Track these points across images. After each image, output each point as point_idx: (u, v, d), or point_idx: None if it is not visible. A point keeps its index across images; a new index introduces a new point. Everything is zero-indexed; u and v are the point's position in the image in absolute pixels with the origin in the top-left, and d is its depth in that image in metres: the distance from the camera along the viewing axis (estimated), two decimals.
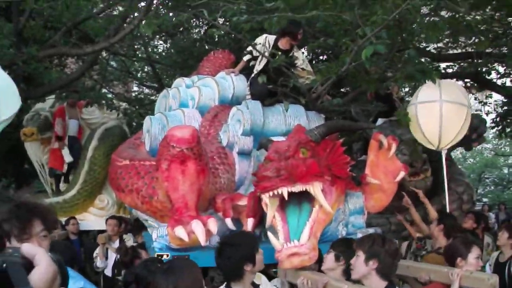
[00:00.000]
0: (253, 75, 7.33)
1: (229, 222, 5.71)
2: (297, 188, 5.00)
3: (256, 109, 6.80)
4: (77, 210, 11.04)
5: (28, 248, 1.22)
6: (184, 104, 7.37)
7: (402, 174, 6.02)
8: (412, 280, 5.55)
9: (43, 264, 1.19)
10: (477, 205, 19.66)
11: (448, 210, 7.72)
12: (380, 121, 9.71)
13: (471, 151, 27.26)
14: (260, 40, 7.30)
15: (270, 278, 5.25)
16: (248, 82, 7.39)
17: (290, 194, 5.00)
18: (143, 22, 7.73)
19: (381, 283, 3.96)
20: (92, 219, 11.16)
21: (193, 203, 5.31)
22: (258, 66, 7.27)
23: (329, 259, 4.65)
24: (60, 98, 11.47)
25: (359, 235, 5.77)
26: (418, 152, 8.55)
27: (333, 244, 4.81)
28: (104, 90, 14.61)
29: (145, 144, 6.93)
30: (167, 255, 5.27)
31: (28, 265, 1.18)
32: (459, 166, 19.82)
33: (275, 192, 4.94)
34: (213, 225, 5.11)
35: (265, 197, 5.05)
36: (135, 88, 18.72)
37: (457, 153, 27.68)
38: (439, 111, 7.19)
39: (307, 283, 4.56)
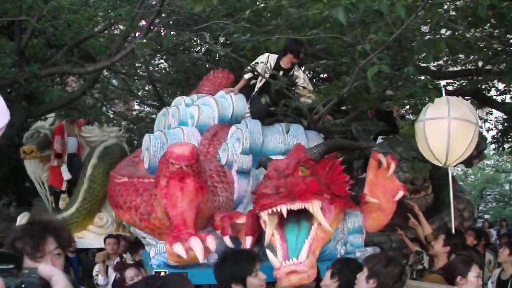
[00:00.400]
0: (253, 93, 7.32)
1: (227, 240, 5.67)
2: (296, 206, 4.98)
3: (256, 128, 6.78)
4: (76, 228, 10.99)
5: (45, 269, 1.22)
6: (184, 122, 7.34)
7: (401, 193, 6.01)
8: None
9: (61, 285, 1.18)
10: (479, 222, 19.56)
11: (453, 227, 7.55)
12: (380, 139, 9.69)
13: (472, 168, 27.18)
14: (262, 58, 7.28)
15: None
16: (249, 101, 7.37)
17: (289, 212, 4.97)
18: (137, 43, 7.70)
19: None
20: (91, 237, 11.13)
21: (192, 221, 5.26)
22: (259, 85, 7.26)
23: (326, 276, 4.61)
24: (60, 116, 11.49)
25: (358, 254, 5.78)
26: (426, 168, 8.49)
27: (333, 262, 4.77)
28: (104, 109, 14.58)
29: (144, 162, 6.90)
30: (165, 272, 5.20)
31: (45, 286, 1.18)
32: (461, 183, 19.75)
33: (274, 209, 4.92)
34: (211, 242, 5.06)
35: (264, 215, 5.02)
36: (136, 107, 18.68)
37: (458, 170, 27.61)
38: (447, 128, 7.06)
39: None
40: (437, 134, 7.13)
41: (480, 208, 28.02)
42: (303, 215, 5.18)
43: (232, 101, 7.40)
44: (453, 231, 7.39)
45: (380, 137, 9.60)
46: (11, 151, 12.50)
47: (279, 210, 4.91)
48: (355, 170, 11.11)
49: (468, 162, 9.61)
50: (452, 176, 9.91)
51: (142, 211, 5.86)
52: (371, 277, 3.97)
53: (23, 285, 1.14)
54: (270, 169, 5.31)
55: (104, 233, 10.70)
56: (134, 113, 17.66)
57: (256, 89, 7.32)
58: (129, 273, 6.55)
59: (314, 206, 5.07)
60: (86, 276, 9.45)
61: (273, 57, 7.27)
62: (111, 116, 13.86)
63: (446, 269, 5.47)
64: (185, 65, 13.91)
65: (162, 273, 5.17)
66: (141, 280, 4.40)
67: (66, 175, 11.42)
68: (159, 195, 5.37)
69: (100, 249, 9.84)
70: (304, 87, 7.42)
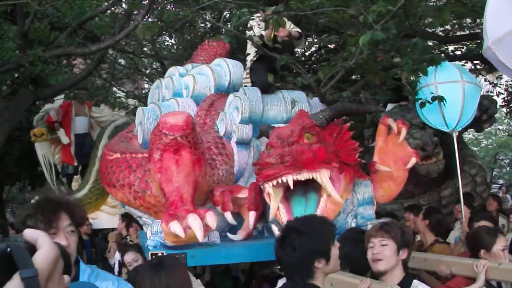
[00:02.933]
0: (248, 59, 6.51)
1: (228, 216, 4.95)
2: (304, 176, 4.29)
3: (255, 95, 5.98)
4: (89, 209, 10.42)
5: (30, 233, 1.11)
6: (178, 93, 6.63)
7: (413, 160, 5.22)
8: (424, 274, 4.79)
9: (46, 247, 1.08)
10: (494, 187, 18.79)
11: (461, 193, 7.18)
12: (389, 106, 9.16)
13: (484, 133, 26.48)
14: (252, 22, 6.51)
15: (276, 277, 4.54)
16: (248, 69, 6.56)
17: (296, 183, 4.29)
18: (140, 26, 7.14)
19: (402, 274, 3.50)
20: (105, 217, 10.60)
21: (189, 196, 4.52)
22: (251, 50, 6.49)
23: None
24: (68, 98, 10.96)
25: (369, 227, 5.05)
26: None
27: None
28: (114, 89, 14.03)
29: (138, 136, 6.17)
30: (162, 254, 4.50)
31: (31, 249, 1.09)
32: (474, 149, 19.00)
33: (279, 180, 4.23)
34: (211, 219, 4.30)
35: (268, 187, 4.33)
36: (146, 85, 18.06)
37: (470, 135, 26.71)
38: (461, 91, 6.79)
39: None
40: (452, 98, 6.71)
41: (494, 173, 27.16)
42: (311, 186, 4.49)
43: (229, 69, 6.66)
44: (461, 198, 7.08)
45: (389, 104, 8.98)
46: (21, 135, 12.02)
47: (284, 181, 4.22)
48: (366, 138, 10.44)
49: (478, 127, 9.03)
50: (463, 142, 9.37)
51: (136, 189, 5.15)
52: (402, 248, 3.50)
53: (8, 249, 1.04)
54: (273, 137, 4.60)
55: (118, 213, 10.12)
56: (144, 91, 17.06)
57: (248, 55, 6.54)
58: (128, 258, 5.83)
59: (323, 176, 4.35)
60: (100, 258, 8.87)
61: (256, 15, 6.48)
62: (121, 95, 13.22)
63: (469, 238, 4.77)
64: (191, 41, 13.20)
65: (159, 255, 4.46)
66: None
67: (64, 139, 10.97)
68: (153, 170, 4.65)
69: (114, 229, 9.30)
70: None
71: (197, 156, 4.55)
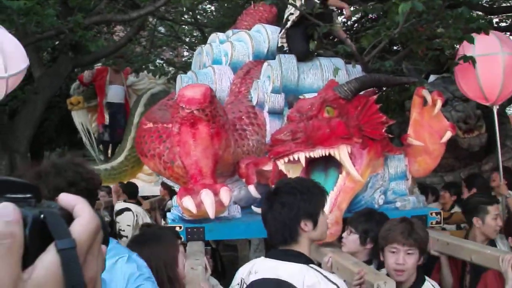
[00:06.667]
0: (288, 25, 6.12)
1: (252, 189, 4.87)
2: (318, 152, 4.12)
3: (290, 63, 5.76)
4: (125, 176, 10.55)
5: (67, 198, 0.94)
6: (218, 60, 6.54)
7: (449, 134, 4.95)
8: (445, 266, 4.57)
9: (86, 215, 0.91)
10: None
11: (501, 168, 6.83)
12: (432, 77, 8.93)
13: None
14: None
15: None
16: (283, 34, 6.22)
17: (312, 159, 4.16)
18: None
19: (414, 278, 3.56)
20: (141, 185, 10.52)
21: (209, 169, 4.48)
22: (293, 17, 6.22)
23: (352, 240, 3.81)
24: (107, 65, 11.02)
25: (398, 204, 4.89)
26: None
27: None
28: (153, 56, 14.07)
29: None
30: (180, 227, 4.47)
31: (67, 217, 0.91)
32: None
33: (291, 158, 4.09)
34: (225, 195, 4.25)
35: (280, 164, 4.20)
36: (186, 53, 17.99)
37: (511, 111, 25.92)
38: (501, 64, 6.44)
39: (331, 265, 3.71)
40: (491, 71, 6.48)
41: None
42: (332, 162, 4.34)
43: (268, 36, 6.49)
44: (501, 172, 6.69)
45: (432, 75, 8.74)
46: (61, 101, 12.18)
47: (296, 159, 4.08)
48: (407, 110, 10.20)
49: None
50: (507, 116, 9.10)
51: (166, 159, 5.09)
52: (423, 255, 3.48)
53: (41, 215, 0.86)
54: (293, 110, 4.48)
55: (154, 180, 10.22)
56: (183, 59, 17.00)
57: (290, 19, 6.12)
58: None
59: (341, 152, 4.18)
60: None
61: None
62: (160, 63, 13.24)
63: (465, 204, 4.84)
64: (232, 8, 12.99)
65: (177, 228, 4.42)
66: None
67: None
68: (174, 143, 4.64)
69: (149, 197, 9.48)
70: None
71: (215, 130, 4.48)
